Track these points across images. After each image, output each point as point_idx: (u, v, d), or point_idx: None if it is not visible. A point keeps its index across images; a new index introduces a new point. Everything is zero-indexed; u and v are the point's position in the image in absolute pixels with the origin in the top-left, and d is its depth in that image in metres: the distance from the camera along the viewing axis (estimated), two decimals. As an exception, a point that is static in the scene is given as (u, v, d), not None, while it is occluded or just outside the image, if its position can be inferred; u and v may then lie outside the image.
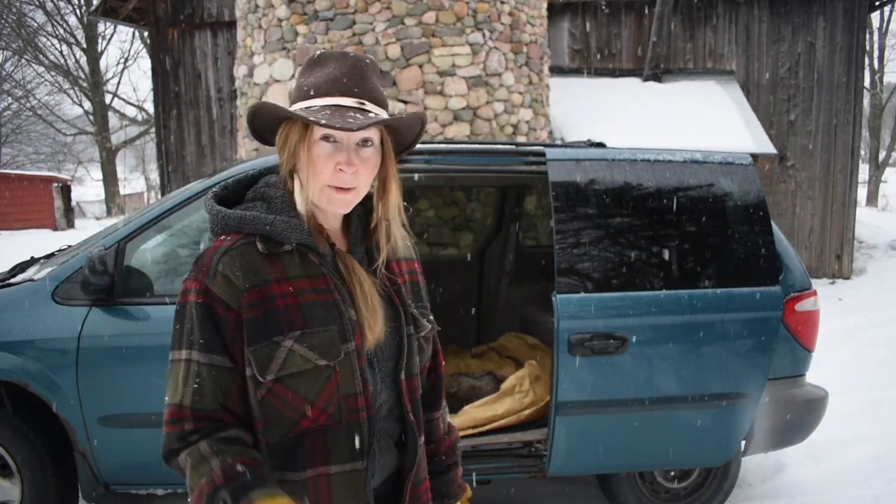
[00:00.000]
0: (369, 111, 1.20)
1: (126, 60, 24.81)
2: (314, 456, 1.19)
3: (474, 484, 3.30)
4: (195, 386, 1.15)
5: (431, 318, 1.40)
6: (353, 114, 1.18)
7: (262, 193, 1.27)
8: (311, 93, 1.21)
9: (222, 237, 1.22)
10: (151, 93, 11.32)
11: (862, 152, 14.69)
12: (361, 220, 1.31)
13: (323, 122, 1.14)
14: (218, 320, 1.17)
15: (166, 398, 1.19)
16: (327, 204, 1.22)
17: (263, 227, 1.20)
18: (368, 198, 1.29)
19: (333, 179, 1.19)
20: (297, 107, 1.22)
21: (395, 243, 1.36)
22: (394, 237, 1.31)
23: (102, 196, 26.73)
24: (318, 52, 1.26)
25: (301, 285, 1.20)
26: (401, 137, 1.31)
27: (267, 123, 1.26)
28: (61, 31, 22.89)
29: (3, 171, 22.87)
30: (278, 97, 6.44)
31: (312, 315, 1.19)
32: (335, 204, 1.22)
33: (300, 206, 1.22)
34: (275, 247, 1.21)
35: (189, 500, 1.15)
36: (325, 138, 1.19)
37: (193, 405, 1.15)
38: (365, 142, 1.21)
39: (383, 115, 1.22)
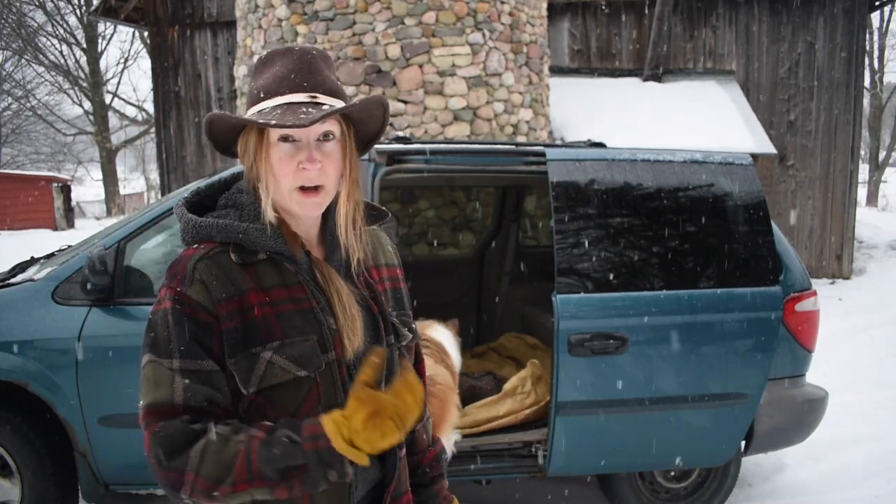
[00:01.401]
0: (323, 104, 1.15)
1: (126, 60, 24.81)
2: None
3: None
4: (186, 382, 1.09)
5: (414, 326, 1.37)
6: (305, 108, 1.13)
7: (235, 200, 1.23)
8: (261, 95, 1.17)
9: (194, 245, 1.18)
10: (151, 93, 11.32)
11: (862, 152, 14.69)
12: (336, 224, 1.26)
13: (273, 122, 1.10)
14: (199, 326, 1.11)
15: (142, 402, 1.11)
16: (298, 208, 1.18)
17: (236, 236, 1.16)
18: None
19: (298, 179, 1.15)
20: (250, 112, 1.18)
21: (376, 250, 1.32)
22: (364, 238, 1.27)
23: (102, 196, 26.71)
24: (265, 53, 1.22)
25: (277, 295, 1.16)
26: (364, 128, 1.25)
27: (226, 135, 1.22)
28: (61, 31, 22.91)
29: (3, 171, 22.88)
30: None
31: (291, 325, 1.15)
32: (305, 207, 1.18)
33: (265, 213, 1.17)
34: (249, 256, 1.17)
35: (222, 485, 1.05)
36: (284, 139, 1.15)
37: (186, 402, 1.09)
38: (326, 136, 1.17)
39: (338, 105, 1.17)
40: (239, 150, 1.22)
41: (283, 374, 1.14)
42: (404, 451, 1.32)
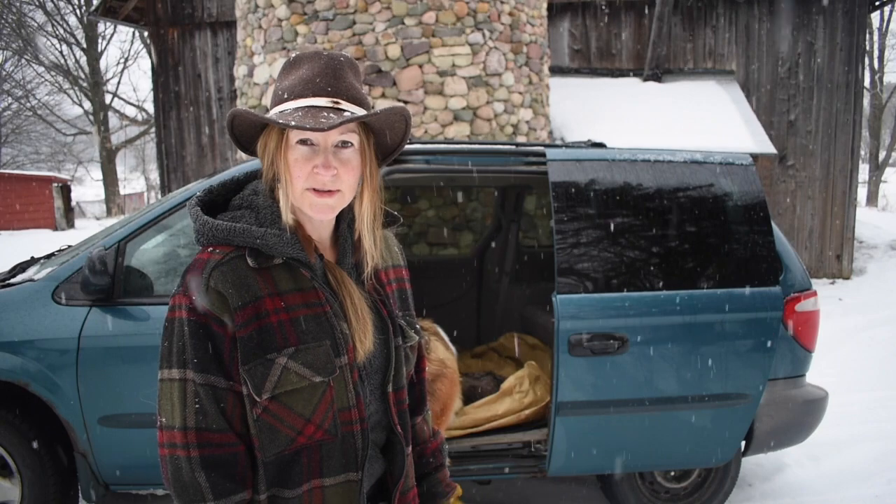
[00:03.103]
0: (345, 110, 1.15)
1: (126, 60, 24.83)
2: (311, 470, 1.18)
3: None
4: (196, 406, 1.11)
5: (418, 327, 1.38)
6: (326, 113, 1.13)
7: (250, 202, 1.22)
8: (285, 96, 1.18)
9: (210, 249, 1.18)
10: (151, 93, 11.32)
11: (862, 152, 14.68)
12: (351, 228, 1.27)
13: (293, 123, 1.10)
14: (213, 337, 1.12)
15: (162, 419, 1.14)
16: (310, 209, 1.17)
17: (254, 241, 1.16)
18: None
19: (311, 182, 1.15)
20: (273, 112, 1.18)
21: (383, 252, 1.33)
22: (380, 245, 1.27)
23: (102, 196, 26.72)
24: (294, 55, 1.23)
25: (293, 300, 1.17)
26: (384, 139, 1.25)
27: (248, 133, 1.23)
28: (61, 31, 22.92)
29: (3, 171, 22.88)
30: (278, 97, 6.44)
31: (306, 330, 1.16)
32: (317, 209, 1.17)
33: (286, 217, 1.17)
34: (265, 260, 1.17)
35: None
36: (302, 142, 1.15)
37: (198, 425, 1.11)
38: (344, 143, 1.17)
39: (360, 113, 1.17)
40: (259, 149, 1.22)
41: (299, 380, 1.14)
42: (410, 448, 1.33)
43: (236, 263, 1.16)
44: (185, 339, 1.12)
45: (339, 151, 1.17)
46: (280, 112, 1.16)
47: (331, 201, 1.17)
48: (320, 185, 1.15)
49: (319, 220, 1.22)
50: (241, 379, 1.14)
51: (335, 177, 1.16)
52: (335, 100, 1.16)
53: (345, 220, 1.27)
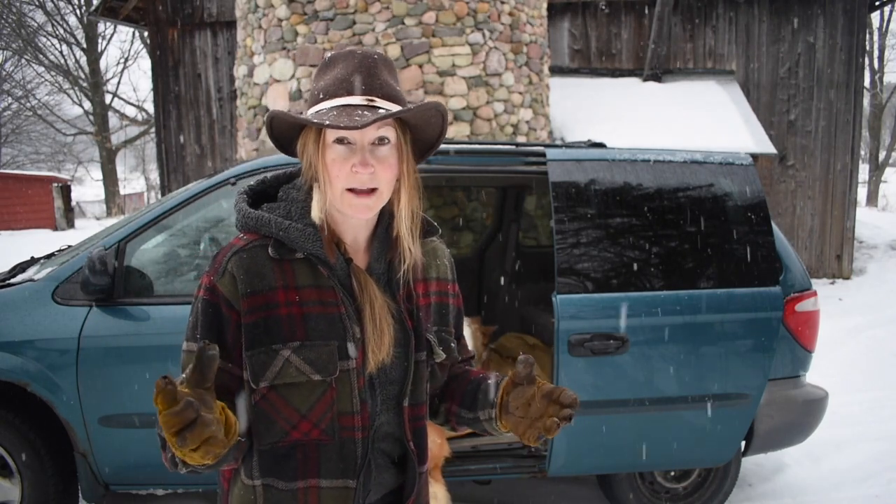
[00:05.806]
0: (379, 107, 1.15)
1: (126, 60, 24.78)
2: (306, 468, 1.18)
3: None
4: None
5: (454, 344, 1.36)
6: (361, 111, 1.13)
7: (288, 195, 1.25)
8: (321, 96, 1.18)
9: (241, 235, 1.22)
10: (151, 93, 11.32)
11: (862, 152, 14.69)
12: (388, 231, 1.26)
13: (327, 122, 1.11)
14: (221, 319, 1.15)
15: None
16: (349, 209, 1.18)
17: (277, 232, 1.18)
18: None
19: (350, 181, 1.15)
20: (309, 112, 1.19)
21: (430, 263, 1.31)
22: (418, 247, 1.26)
23: (102, 196, 26.69)
24: (329, 55, 1.23)
25: (308, 296, 1.17)
26: (421, 134, 1.25)
27: (287, 134, 1.24)
28: (61, 31, 22.89)
29: (3, 171, 22.87)
30: (278, 97, 6.44)
31: (315, 328, 1.16)
32: (356, 209, 1.17)
33: (314, 214, 1.19)
34: (287, 253, 1.19)
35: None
36: (339, 141, 1.16)
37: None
38: (381, 140, 1.17)
39: (395, 109, 1.16)
40: (298, 150, 1.24)
41: (298, 374, 1.15)
42: (424, 467, 1.30)
43: (257, 252, 1.19)
44: (198, 315, 1.17)
45: (375, 149, 1.17)
46: (316, 112, 1.17)
47: (369, 201, 1.17)
48: (359, 184, 1.16)
49: (356, 221, 1.22)
50: (244, 364, 1.17)
51: (372, 175, 1.16)
52: (370, 97, 1.16)
53: (382, 223, 1.26)
